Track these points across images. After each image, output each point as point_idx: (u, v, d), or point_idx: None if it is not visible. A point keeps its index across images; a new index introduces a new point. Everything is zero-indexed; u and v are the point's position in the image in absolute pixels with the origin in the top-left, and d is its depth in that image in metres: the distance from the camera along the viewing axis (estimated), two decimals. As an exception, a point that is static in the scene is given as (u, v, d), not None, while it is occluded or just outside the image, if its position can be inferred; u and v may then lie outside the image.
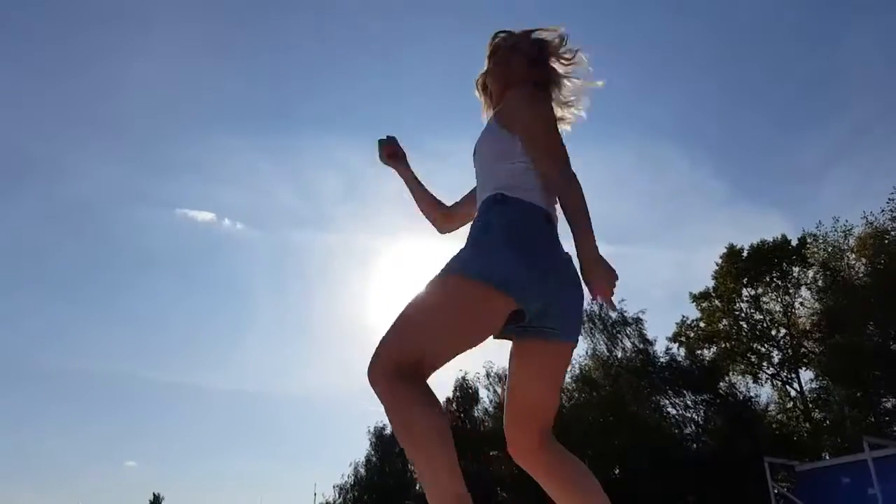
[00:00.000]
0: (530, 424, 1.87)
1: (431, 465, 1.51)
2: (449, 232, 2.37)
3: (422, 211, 2.42)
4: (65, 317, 69.54)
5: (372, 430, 40.28)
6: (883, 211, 27.53)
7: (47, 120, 63.94)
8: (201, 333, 69.88)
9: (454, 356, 1.67)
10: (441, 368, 1.66)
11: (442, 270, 1.71)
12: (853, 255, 28.85)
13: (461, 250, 1.76)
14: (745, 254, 31.46)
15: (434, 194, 2.43)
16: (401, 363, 1.58)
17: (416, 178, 2.44)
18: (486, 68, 2.16)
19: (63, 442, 69.32)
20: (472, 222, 1.91)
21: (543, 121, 1.86)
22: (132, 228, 65.56)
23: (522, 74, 2.05)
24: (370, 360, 1.63)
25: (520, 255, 1.68)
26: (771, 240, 31.20)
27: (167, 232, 64.68)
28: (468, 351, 1.69)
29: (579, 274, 1.77)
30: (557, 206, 1.88)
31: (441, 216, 2.37)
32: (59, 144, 63.82)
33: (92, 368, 72.37)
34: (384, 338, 1.64)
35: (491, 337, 1.77)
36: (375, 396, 1.60)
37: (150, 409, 70.91)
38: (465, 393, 36.30)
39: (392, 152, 2.44)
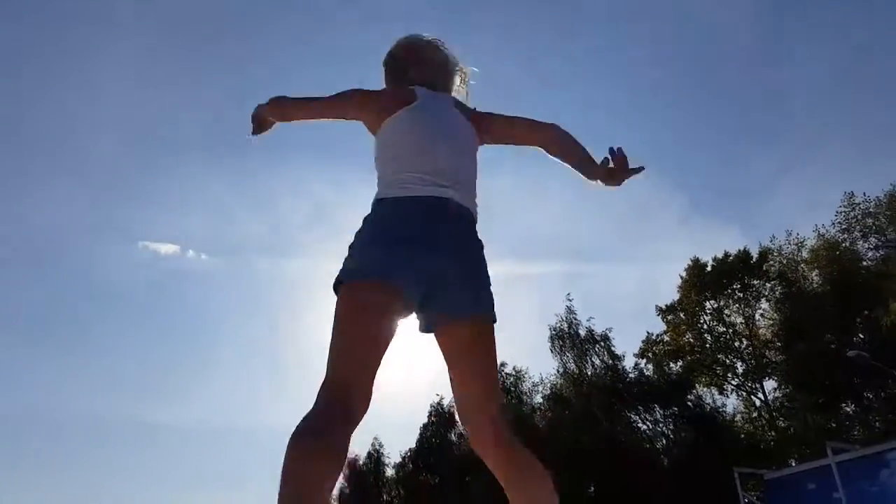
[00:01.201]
0: (475, 415, 1.84)
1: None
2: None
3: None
4: (21, 354, 67.43)
5: (346, 462, 39.76)
6: (833, 223, 28.58)
7: (3, 149, 62.58)
8: (166, 369, 68.28)
9: (375, 364, 1.66)
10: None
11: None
12: (807, 267, 29.86)
13: None
14: (708, 267, 32.27)
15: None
16: (328, 405, 1.58)
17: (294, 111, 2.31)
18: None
19: (22, 487, 66.84)
20: None
21: None
22: (93, 262, 64.14)
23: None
24: None
25: (375, 240, 1.79)
26: (734, 253, 32.08)
27: (129, 265, 63.28)
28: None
29: (470, 245, 1.90)
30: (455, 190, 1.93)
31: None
32: (17, 176, 62.49)
33: (49, 408, 70.11)
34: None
35: (419, 331, 1.87)
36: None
37: (112, 448, 68.85)
38: (441, 417, 36.23)
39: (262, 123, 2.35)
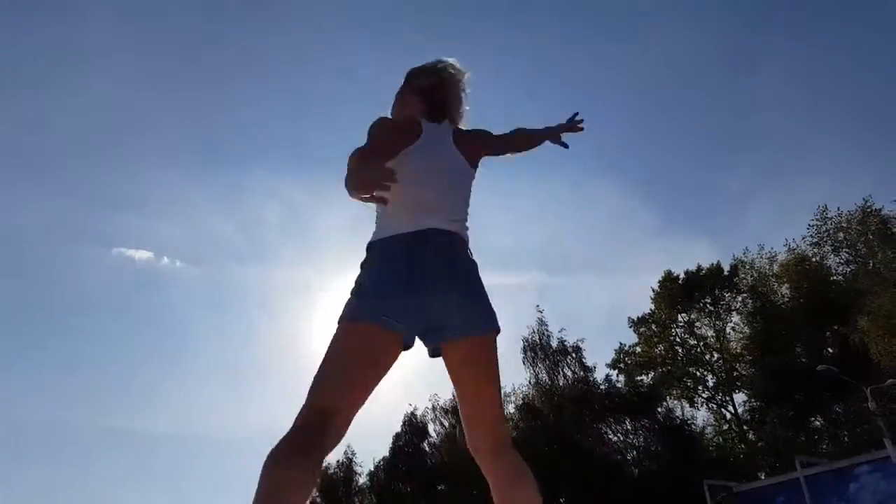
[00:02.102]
0: (480, 424, 1.97)
1: None
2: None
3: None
4: (-8, 361, 65.80)
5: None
6: (804, 238, 28.93)
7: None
8: (140, 376, 67.10)
9: (358, 400, 1.79)
10: (383, 399, 1.76)
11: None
12: (777, 281, 30.21)
13: None
14: (680, 280, 32.49)
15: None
16: (306, 428, 1.68)
17: None
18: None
19: (-11, 494, 65.01)
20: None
21: None
22: (67, 269, 63.09)
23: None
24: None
25: (367, 286, 1.90)
26: (706, 267, 32.36)
27: (104, 272, 62.26)
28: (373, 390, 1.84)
29: (458, 267, 1.98)
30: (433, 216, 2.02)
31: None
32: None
33: (25, 415, 68.38)
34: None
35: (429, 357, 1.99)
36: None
37: (85, 456, 67.31)
38: (415, 427, 36.04)
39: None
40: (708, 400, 31.23)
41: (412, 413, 36.33)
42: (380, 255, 1.97)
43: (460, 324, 1.92)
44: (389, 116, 2.34)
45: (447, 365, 1.99)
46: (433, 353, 1.99)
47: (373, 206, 2.14)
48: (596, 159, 56.35)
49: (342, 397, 1.75)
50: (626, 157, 55.09)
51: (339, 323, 1.87)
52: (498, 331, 1.99)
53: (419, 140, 2.14)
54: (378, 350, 1.83)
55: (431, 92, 2.32)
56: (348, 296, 1.94)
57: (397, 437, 36.35)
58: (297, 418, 1.70)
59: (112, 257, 58.37)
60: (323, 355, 1.83)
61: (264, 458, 1.59)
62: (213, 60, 64.43)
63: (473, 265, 2.06)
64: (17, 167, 61.66)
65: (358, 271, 1.99)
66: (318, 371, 1.79)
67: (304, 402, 1.74)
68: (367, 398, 1.81)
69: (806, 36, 46.88)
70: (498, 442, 1.96)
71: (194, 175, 63.27)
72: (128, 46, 60.73)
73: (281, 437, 1.65)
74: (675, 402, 31.25)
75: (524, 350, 31.97)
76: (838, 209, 27.91)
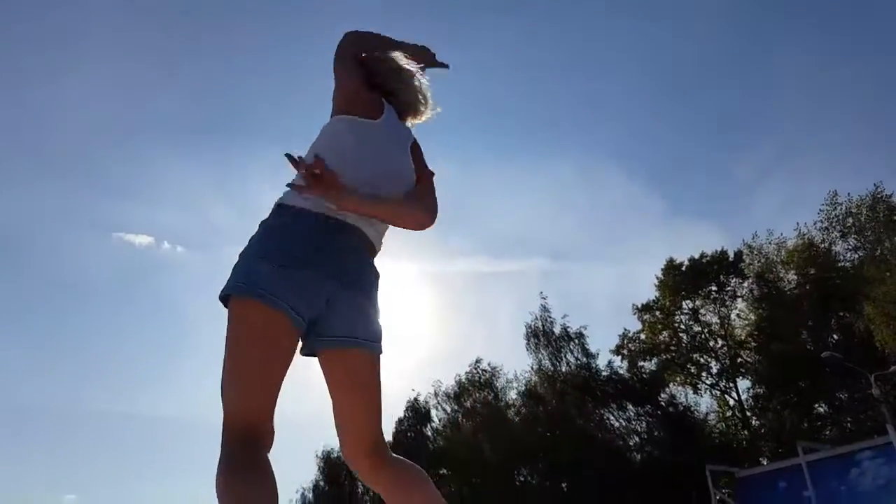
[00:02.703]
0: (358, 442, 1.80)
1: None
2: None
3: None
4: (-5, 346, 66.26)
5: (320, 454, 39.57)
6: (815, 223, 28.59)
7: (-27, 140, 61.22)
8: (142, 360, 67.61)
9: (272, 396, 1.59)
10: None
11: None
12: (783, 268, 29.99)
13: None
14: (683, 267, 32.34)
15: None
16: (236, 436, 1.54)
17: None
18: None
19: (-8, 477, 65.73)
20: None
21: None
22: (68, 254, 63.31)
23: None
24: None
25: (266, 255, 1.64)
26: (709, 253, 32.16)
27: (104, 257, 62.56)
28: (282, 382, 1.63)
29: (364, 274, 1.80)
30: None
31: None
32: (-13, 166, 61.18)
33: (26, 398, 69.08)
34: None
35: (299, 354, 1.72)
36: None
37: (88, 439, 67.97)
38: (417, 413, 36.20)
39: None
40: (711, 386, 31.16)
41: (415, 399, 36.51)
42: (293, 226, 1.70)
43: (360, 332, 1.75)
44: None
45: (333, 371, 1.77)
46: (308, 352, 1.77)
47: None
48: (603, 144, 56.11)
49: (266, 395, 1.58)
50: (633, 142, 54.73)
51: (231, 296, 1.63)
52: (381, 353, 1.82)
53: (382, 119, 1.96)
54: (281, 333, 1.61)
55: (400, 85, 2.16)
56: (238, 260, 1.70)
57: (400, 422, 36.55)
58: (227, 437, 1.53)
59: (112, 242, 58.57)
60: (227, 347, 1.62)
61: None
62: (214, 45, 64.23)
63: (378, 279, 1.87)
64: (16, 153, 61.76)
65: None
66: (229, 367, 1.59)
67: (225, 413, 1.56)
68: (279, 388, 1.62)
69: (820, 19, 46.31)
70: (382, 458, 1.80)
71: (195, 161, 63.31)
72: (128, 31, 60.57)
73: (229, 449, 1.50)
74: (679, 388, 31.21)
75: (527, 336, 32.06)
76: (849, 195, 27.59)
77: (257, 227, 1.78)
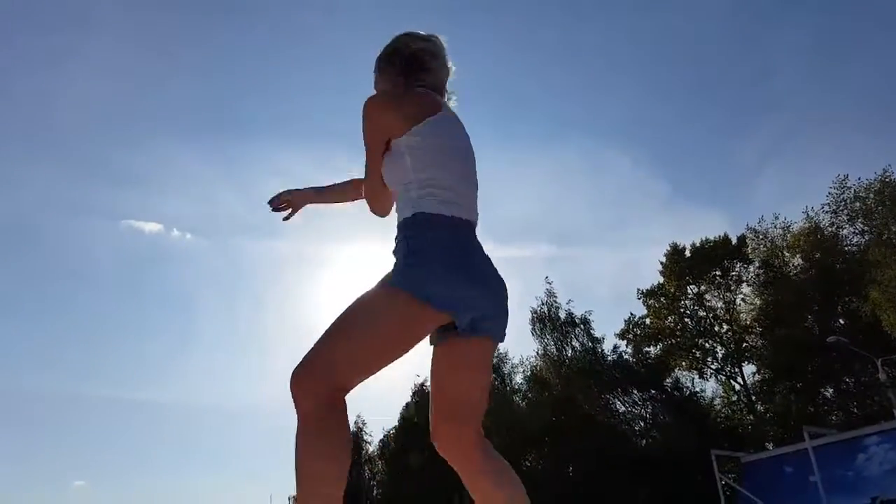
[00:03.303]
0: (465, 423, 1.87)
1: (319, 494, 1.57)
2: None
3: (354, 200, 2.36)
4: (6, 333, 66.68)
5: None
6: (823, 207, 28.40)
7: (-21, 128, 61.24)
8: (151, 347, 67.83)
9: (382, 368, 1.70)
10: (396, 373, 1.66)
11: (382, 282, 1.76)
12: (788, 252, 29.88)
13: (400, 263, 1.77)
14: (687, 253, 32.24)
15: (348, 185, 2.37)
16: (333, 380, 1.61)
17: (325, 192, 2.41)
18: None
19: (7, 463, 66.43)
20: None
21: None
22: (76, 241, 63.48)
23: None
24: (298, 367, 1.62)
25: (451, 270, 1.72)
26: (713, 238, 32.04)
27: (113, 244, 62.69)
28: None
29: (498, 273, 1.88)
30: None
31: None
32: (-7, 154, 61.21)
33: (35, 386, 69.56)
34: (318, 347, 1.65)
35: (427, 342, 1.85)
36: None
37: (97, 426, 68.36)
38: (424, 398, 36.32)
39: (284, 204, 2.39)
40: (717, 371, 31.17)
41: (421, 384, 36.60)
42: (454, 237, 1.78)
43: (499, 328, 1.85)
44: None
45: (453, 358, 1.86)
46: (438, 342, 1.87)
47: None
48: (606, 128, 55.81)
49: (371, 373, 1.68)
50: (636, 126, 54.40)
51: (405, 290, 1.67)
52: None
53: (444, 111, 1.94)
54: (428, 333, 1.77)
55: (443, 75, 2.14)
56: (413, 259, 1.74)
57: (406, 407, 36.67)
58: (320, 378, 1.60)
59: (121, 229, 58.71)
60: (367, 317, 1.67)
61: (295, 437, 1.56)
62: (221, 31, 63.94)
63: None
64: (23, 141, 61.76)
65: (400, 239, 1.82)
66: (359, 333, 1.65)
67: (327, 355, 1.62)
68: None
69: (823, 5, 45.77)
70: (480, 436, 1.88)
71: (203, 147, 63.32)
72: (133, 18, 60.27)
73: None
74: (684, 373, 31.24)
75: (532, 321, 32.06)
76: (858, 179, 27.42)
77: (419, 230, 1.81)
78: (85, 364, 66.68)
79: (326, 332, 1.67)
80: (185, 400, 72.05)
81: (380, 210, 2.01)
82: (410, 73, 2.01)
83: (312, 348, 1.65)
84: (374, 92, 2.06)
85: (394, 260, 1.80)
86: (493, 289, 1.82)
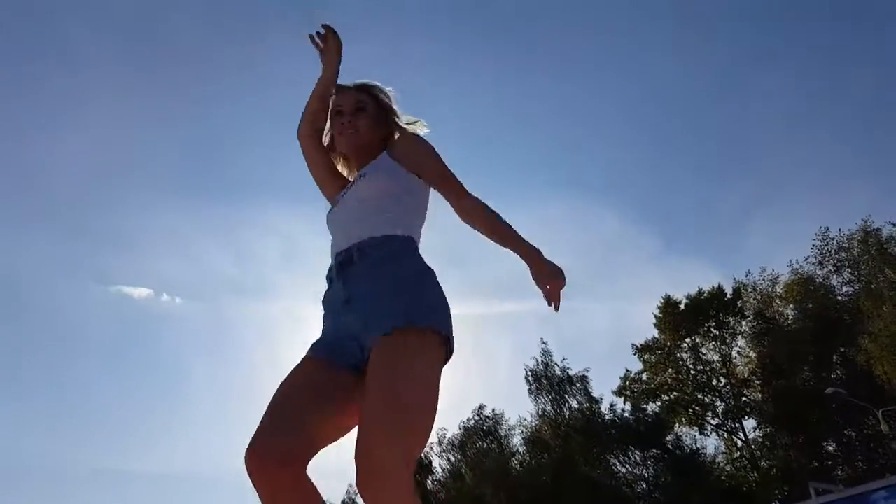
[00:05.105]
0: (319, 443, 1.59)
1: None
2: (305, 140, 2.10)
3: (308, 111, 2.11)
4: (-9, 403, 65.05)
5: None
6: (807, 258, 28.70)
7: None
8: (139, 414, 66.22)
9: None
10: None
11: (409, 318, 1.53)
12: (781, 302, 29.91)
13: (410, 296, 1.60)
14: (681, 305, 32.13)
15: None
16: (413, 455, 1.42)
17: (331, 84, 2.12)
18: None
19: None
20: (375, 258, 1.71)
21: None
22: (63, 306, 62.49)
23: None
24: (383, 447, 1.34)
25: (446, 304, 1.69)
26: (707, 290, 32.00)
27: (101, 310, 61.82)
28: None
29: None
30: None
31: (313, 132, 2.11)
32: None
33: (23, 456, 67.41)
34: (394, 421, 1.38)
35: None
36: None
37: (88, 498, 66.22)
38: (419, 463, 35.36)
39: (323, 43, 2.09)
40: (717, 427, 30.65)
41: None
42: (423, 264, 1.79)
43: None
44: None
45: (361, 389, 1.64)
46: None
47: None
48: (590, 183, 56.41)
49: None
50: (621, 179, 55.06)
51: (441, 333, 1.57)
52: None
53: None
54: None
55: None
56: (436, 299, 1.65)
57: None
58: (405, 467, 1.34)
59: (110, 294, 58.17)
60: (425, 379, 1.48)
61: None
62: (208, 94, 64.99)
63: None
64: (11, 206, 61.79)
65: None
66: (426, 400, 1.46)
67: (411, 444, 1.39)
68: None
69: (802, 53, 47.17)
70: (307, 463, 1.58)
71: (191, 210, 63.10)
72: (122, 83, 61.21)
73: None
74: (685, 429, 30.67)
75: (528, 381, 31.66)
76: (839, 230, 27.82)
77: (420, 265, 1.75)
78: (75, 433, 64.73)
79: (400, 418, 1.39)
80: (178, 469, 69.73)
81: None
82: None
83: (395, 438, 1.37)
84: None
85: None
86: None
